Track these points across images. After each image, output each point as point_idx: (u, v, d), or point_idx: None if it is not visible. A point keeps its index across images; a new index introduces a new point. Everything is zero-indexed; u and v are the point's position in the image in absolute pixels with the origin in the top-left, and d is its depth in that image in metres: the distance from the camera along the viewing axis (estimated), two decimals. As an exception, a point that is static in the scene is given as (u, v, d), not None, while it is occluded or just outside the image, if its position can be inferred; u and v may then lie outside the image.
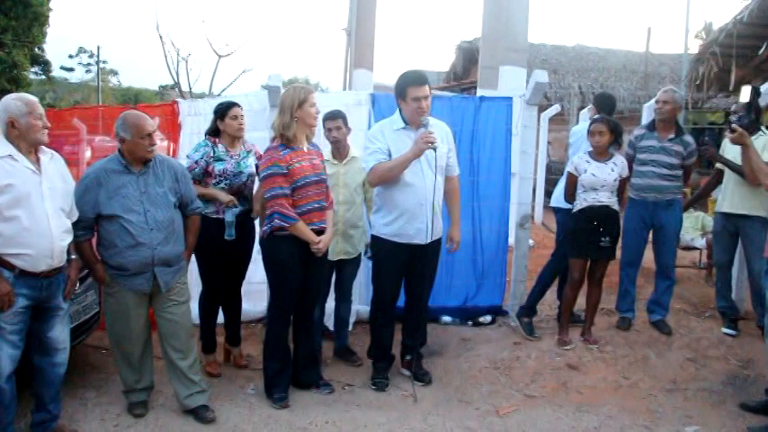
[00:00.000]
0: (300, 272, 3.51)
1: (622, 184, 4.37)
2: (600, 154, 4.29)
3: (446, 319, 5.08)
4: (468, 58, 17.76)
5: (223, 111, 3.83)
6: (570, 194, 4.40)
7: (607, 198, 4.24)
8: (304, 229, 3.41)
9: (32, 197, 2.79)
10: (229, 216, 3.74)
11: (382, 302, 3.89)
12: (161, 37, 25.05)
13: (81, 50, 37.48)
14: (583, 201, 4.29)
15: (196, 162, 3.77)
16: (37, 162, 2.88)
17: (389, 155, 3.59)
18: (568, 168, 4.39)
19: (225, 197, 3.76)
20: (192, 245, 3.49)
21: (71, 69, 37.75)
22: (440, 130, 3.73)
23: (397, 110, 3.74)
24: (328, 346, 4.45)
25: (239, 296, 4.16)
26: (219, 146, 3.85)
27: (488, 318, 5.09)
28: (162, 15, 63.76)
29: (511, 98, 5.06)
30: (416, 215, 3.64)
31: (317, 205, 3.49)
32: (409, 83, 3.60)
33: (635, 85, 16.29)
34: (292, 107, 3.39)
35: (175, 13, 72.22)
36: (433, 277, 3.94)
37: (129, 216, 3.10)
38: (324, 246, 3.47)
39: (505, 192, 5.11)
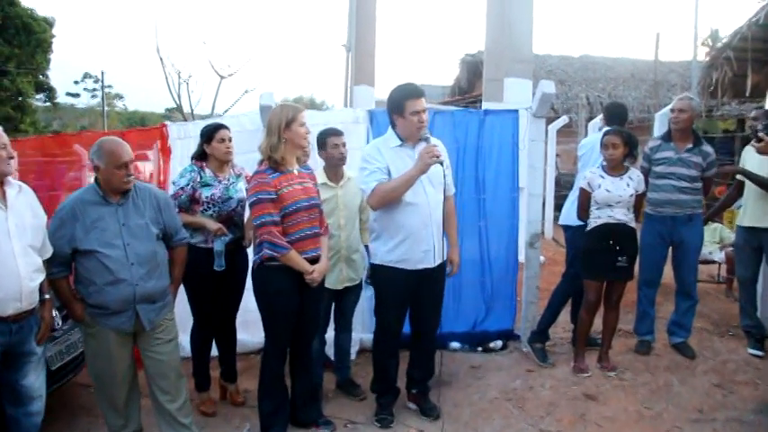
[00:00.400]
0: (295, 303, 3.26)
1: (639, 199, 4.11)
2: (614, 168, 4.03)
3: (454, 345, 4.82)
4: (473, 72, 17.61)
5: (210, 133, 3.62)
6: (583, 212, 4.14)
7: (623, 215, 3.98)
8: (296, 259, 3.17)
9: None
10: (218, 245, 3.51)
11: (386, 334, 3.64)
12: (161, 59, 25.02)
13: (86, 76, 37.72)
14: (597, 218, 4.03)
15: (182, 188, 3.55)
16: (2, 196, 2.66)
17: (389, 174, 3.36)
18: (581, 184, 4.14)
19: (213, 225, 3.53)
20: (179, 278, 3.26)
21: (77, 95, 37.99)
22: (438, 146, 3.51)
23: (390, 127, 3.51)
24: (330, 378, 4.19)
25: (233, 328, 3.91)
26: (207, 170, 3.63)
27: (499, 343, 4.83)
28: (163, 38, 64.28)
29: (517, 111, 4.83)
30: (421, 237, 3.40)
31: (309, 232, 3.25)
32: (407, 96, 3.37)
33: (644, 93, 16.05)
34: (279, 127, 3.17)
35: (176, 35, 72.65)
36: (441, 303, 3.69)
37: (107, 251, 2.86)
38: (318, 275, 3.23)
39: (513, 209, 4.86)
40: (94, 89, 38.10)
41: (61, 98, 30.44)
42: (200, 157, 3.67)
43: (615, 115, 4.59)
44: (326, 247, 3.41)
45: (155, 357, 3.07)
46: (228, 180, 3.67)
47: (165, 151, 4.45)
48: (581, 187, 4.12)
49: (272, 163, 3.19)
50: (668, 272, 4.58)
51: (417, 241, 3.41)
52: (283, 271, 3.17)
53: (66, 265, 2.93)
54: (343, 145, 3.84)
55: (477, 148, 4.75)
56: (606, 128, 4.43)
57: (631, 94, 15.89)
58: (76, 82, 37.94)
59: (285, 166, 3.21)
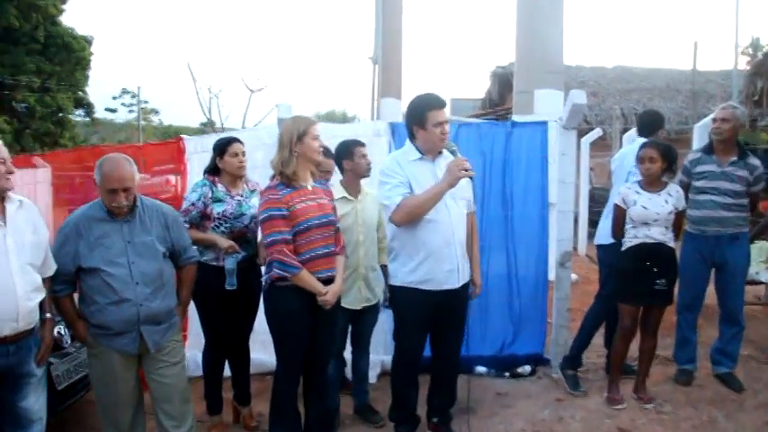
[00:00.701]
0: (307, 325, 3.08)
1: (678, 217, 3.82)
2: (651, 183, 3.76)
3: (480, 369, 4.57)
4: (504, 84, 17.34)
5: (222, 147, 3.49)
6: (618, 230, 3.87)
7: (661, 234, 3.70)
8: (308, 279, 2.99)
9: None
10: (230, 263, 3.36)
11: (406, 360, 3.43)
12: (192, 74, 25.45)
13: (124, 92, 38.52)
14: (633, 237, 3.75)
15: (193, 204, 3.42)
16: (1, 212, 2.56)
17: (411, 189, 3.17)
18: (615, 200, 3.87)
19: (224, 243, 3.38)
20: (187, 299, 3.13)
21: (114, 110, 38.80)
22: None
23: (408, 140, 3.32)
24: (348, 401, 3.99)
25: (246, 349, 3.75)
26: (219, 185, 3.50)
27: (527, 368, 4.56)
28: (194, 53, 65.36)
29: (546, 122, 4.61)
30: (444, 256, 3.20)
31: (323, 251, 3.07)
32: (429, 107, 3.18)
33: (680, 104, 15.60)
34: (291, 141, 3.01)
35: (208, 50, 73.90)
36: (464, 326, 3.46)
37: (111, 269, 2.74)
38: (332, 297, 3.04)
39: (543, 226, 4.62)
40: (131, 104, 38.90)
41: (100, 113, 31.14)
42: (213, 171, 3.54)
43: (648, 124, 4.31)
44: (342, 267, 3.22)
45: (159, 381, 2.94)
46: (242, 196, 3.53)
47: (182, 165, 4.34)
48: (615, 204, 3.86)
49: (284, 178, 3.03)
50: (710, 291, 4.26)
51: (440, 260, 3.20)
52: (294, 292, 2.99)
53: (69, 283, 2.82)
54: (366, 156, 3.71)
55: (504, 162, 4.54)
56: (639, 138, 4.18)
57: (667, 105, 15.45)
58: (114, 98, 38.81)
59: (298, 182, 3.05)
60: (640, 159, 3.74)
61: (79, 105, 27.41)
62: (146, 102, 39.21)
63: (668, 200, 3.72)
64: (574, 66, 16.46)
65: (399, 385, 3.49)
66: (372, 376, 4.39)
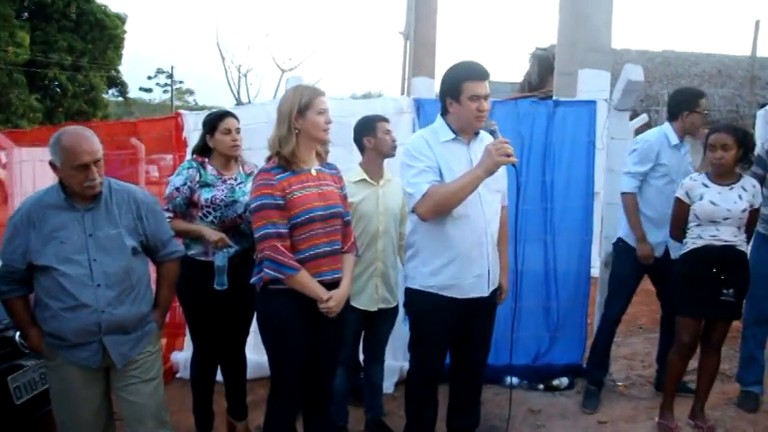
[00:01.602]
0: (306, 336, 2.59)
1: (752, 216, 3.22)
2: (722, 175, 3.16)
3: (510, 380, 4.05)
4: (545, 67, 16.55)
5: (213, 122, 3.01)
6: (677, 229, 3.29)
7: (732, 235, 3.11)
8: (306, 282, 2.49)
9: None
10: (220, 260, 2.91)
11: (423, 377, 2.92)
12: (221, 53, 25.27)
13: (158, 71, 38.64)
14: (697, 238, 3.17)
15: (177, 189, 2.96)
16: None
17: (441, 175, 2.64)
18: (677, 194, 3.28)
19: (213, 235, 2.92)
20: (168, 301, 2.66)
21: (149, 90, 38.96)
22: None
23: (439, 116, 2.78)
24: (359, 416, 3.52)
25: (242, 356, 3.29)
26: (209, 167, 3.03)
27: (565, 380, 4.04)
28: (224, 31, 65.25)
29: (594, 102, 4.03)
30: (474, 258, 2.67)
31: (327, 249, 2.57)
32: (467, 75, 2.61)
33: (733, 91, 14.65)
34: (291, 115, 2.51)
35: (239, 28, 73.50)
36: (491, 337, 2.98)
37: (65, 268, 2.27)
38: (335, 304, 2.53)
39: (586, 220, 4.07)
40: (166, 84, 39.01)
41: (135, 93, 31.25)
42: (203, 151, 3.07)
43: (671, 105, 3.70)
44: (351, 268, 2.71)
45: (129, 399, 2.47)
46: (235, 179, 3.06)
47: (180, 144, 3.89)
48: (677, 197, 3.27)
49: (282, 160, 2.53)
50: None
51: (468, 263, 2.67)
52: (290, 297, 2.51)
53: (21, 283, 2.37)
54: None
55: (544, 147, 3.99)
56: (666, 123, 3.63)
57: (719, 92, 14.54)
58: (149, 77, 38.96)
59: (298, 164, 2.55)
60: (711, 146, 3.14)
61: (112, 84, 27.49)
62: (180, 82, 39.33)
63: (742, 195, 3.12)
64: (619, 49, 15.59)
65: (414, 405, 2.99)
66: (389, 385, 3.93)
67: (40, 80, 23.11)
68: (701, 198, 3.14)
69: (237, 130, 3.04)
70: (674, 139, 3.58)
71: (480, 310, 2.78)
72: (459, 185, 2.53)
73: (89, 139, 2.31)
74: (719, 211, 3.09)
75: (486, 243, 2.68)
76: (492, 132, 2.60)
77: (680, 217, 3.26)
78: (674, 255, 3.52)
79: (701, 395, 3.36)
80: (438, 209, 2.58)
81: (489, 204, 2.69)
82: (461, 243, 2.66)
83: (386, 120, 3.27)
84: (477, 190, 2.59)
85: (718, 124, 3.35)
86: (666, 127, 3.64)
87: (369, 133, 3.21)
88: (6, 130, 8.60)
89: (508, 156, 2.45)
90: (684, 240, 3.26)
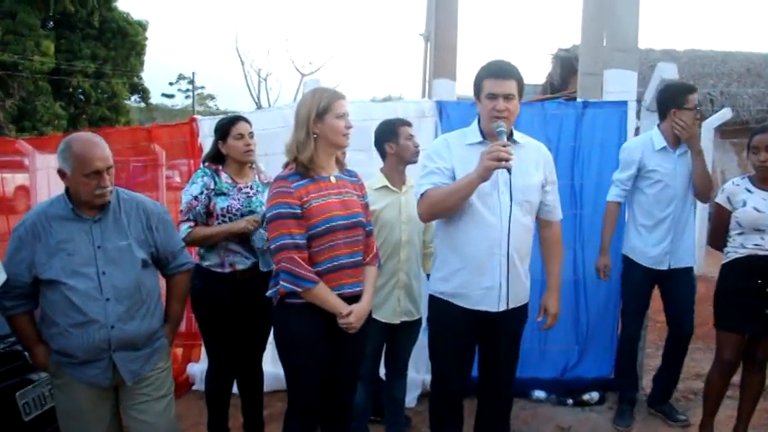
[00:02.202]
0: (325, 353, 2.46)
1: (800, 222, 3.01)
2: (766, 179, 2.97)
3: (538, 394, 3.90)
4: (567, 68, 16.32)
5: (225, 128, 2.91)
6: (717, 238, 3.10)
7: (777, 244, 2.92)
8: (325, 296, 2.37)
9: None
10: (258, 242, 2.83)
11: (444, 390, 2.77)
12: (240, 57, 25.43)
13: (180, 77, 38.98)
14: (740, 247, 2.98)
15: (195, 198, 2.85)
16: None
17: (454, 178, 2.51)
18: (718, 199, 3.09)
19: (239, 224, 2.84)
20: (179, 316, 2.56)
21: (171, 96, 39.32)
22: (533, 151, 2.62)
23: (476, 119, 2.64)
24: (380, 432, 3.38)
25: (259, 370, 3.17)
26: (223, 175, 2.92)
27: (595, 395, 3.85)
28: (244, 36, 65.32)
29: (625, 103, 3.87)
30: (484, 268, 2.51)
31: (348, 260, 2.44)
32: (486, 74, 2.48)
33: (763, 90, 14.27)
34: (309, 119, 2.39)
35: (258, 33, 73.81)
36: (514, 360, 2.77)
37: (73, 282, 2.17)
38: (356, 320, 2.40)
39: (619, 227, 3.86)
40: (188, 90, 39.32)
41: (157, 99, 31.54)
42: (216, 159, 2.96)
43: (664, 101, 3.44)
44: (373, 281, 2.57)
45: (140, 418, 2.36)
46: (250, 188, 2.94)
47: (195, 150, 3.79)
48: (717, 203, 3.08)
49: (300, 166, 2.41)
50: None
51: (477, 273, 2.52)
52: (308, 311, 2.38)
53: (26, 298, 2.27)
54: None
55: (573, 150, 3.83)
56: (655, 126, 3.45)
57: (747, 92, 14.17)
58: (171, 83, 39.33)
59: (317, 171, 2.43)
60: (754, 148, 2.95)
61: (134, 91, 27.75)
62: (202, 87, 39.60)
63: (789, 201, 2.92)
64: (643, 48, 15.27)
65: (436, 420, 2.84)
66: (411, 399, 3.78)
67: (64, 88, 23.40)
68: (744, 204, 2.95)
69: (251, 135, 2.93)
70: (660, 143, 3.37)
71: (494, 328, 2.59)
72: (453, 188, 2.43)
73: (100, 146, 2.22)
74: (765, 218, 2.89)
75: (500, 255, 2.50)
76: (499, 134, 2.44)
77: (720, 224, 3.07)
78: (683, 264, 3.41)
79: (743, 415, 3.15)
80: (433, 210, 2.52)
81: (512, 215, 2.49)
82: (471, 251, 2.53)
83: (408, 124, 3.13)
84: (498, 198, 2.48)
85: (762, 125, 3.14)
86: (654, 131, 3.46)
87: (390, 139, 3.07)
88: (27, 138, 8.64)
89: (500, 160, 2.27)
90: (726, 250, 3.07)
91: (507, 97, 2.45)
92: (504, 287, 2.51)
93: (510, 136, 2.56)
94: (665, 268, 3.41)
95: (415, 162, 3.09)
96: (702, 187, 3.32)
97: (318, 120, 2.39)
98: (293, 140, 2.43)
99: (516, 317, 2.65)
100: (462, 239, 2.53)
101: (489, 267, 2.51)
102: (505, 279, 2.50)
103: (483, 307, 2.54)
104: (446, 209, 2.48)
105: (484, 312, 2.55)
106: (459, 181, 2.44)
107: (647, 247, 3.42)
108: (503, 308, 2.54)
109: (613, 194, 3.48)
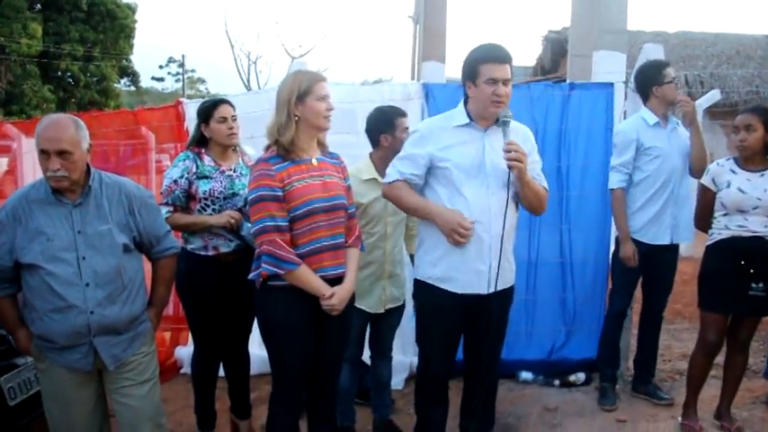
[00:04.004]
0: (309, 336, 2.47)
1: (785, 203, 3.02)
2: (751, 160, 2.97)
3: (525, 375, 3.93)
4: (557, 50, 16.22)
5: (207, 111, 2.88)
6: (703, 219, 3.12)
7: (761, 225, 2.92)
8: (307, 278, 2.36)
9: None
10: (246, 230, 2.80)
11: (430, 373, 2.78)
12: (230, 40, 25.14)
13: (170, 60, 38.50)
14: (723, 229, 2.99)
15: (175, 181, 2.83)
16: None
17: (430, 166, 2.54)
18: (703, 180, 3.10)
19: (220, 218, 2.82)
20: (163, 300, 2.55)
21: (162, 79, 38.88)
22: (516, 132, 2.60)
23: (462, 101, 2.62)
24: (367, 415, 3.40)
25: (245, 353, 3.17)
26: (205, 158, 2.90)
27: (581, 376, 3.89)
28: (233, 18, 64.62)
29: (612, 85, 3.87)
30: (472, 252, 2.51)
31: (329, 242, 2.43)
32: (484, 58, 2.46)
33: (752, 71, 14.28)
34: (289, 102, 2.36)
35: (249, 16, 73.08)
36: (500, 342, 2.79)
37: (52, 267, 2.15)
38: (338, 301, 2.40)
39: (605, 209, 3.87)
40: (178, 73, 38.88)
41: (147, 82, 31.17)
42: (199, 142, 2.94)
43: (643, 84, 3.50)
44: (356, 262, 2.57)
45: (124, 402, 2.36)
46: (234, 171, 2.92)
47: (182, 134, 3.76)
48: (702, 184, 3.09)
49: (281, 149, 2.39)
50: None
51: (466, 257, 2.52)
52: (291, 294, 2.38)
53: (8, 282, 2.25)
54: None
55: (559, 133, 3.84)
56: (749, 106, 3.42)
57: (737, 73, 14.17)
58: (161, 66, 38.86)
59: (298, 153, 2.41)
60: (734, 128, 2.96)
61: (124, 74, 27.43)
62: (192, 71, 39.14)
63: (773, 181, 2.93)
64: (634, 30, 15.21)
65: (422, 403, 2.86)
66: (398, 382, 3.80)
67: (52, 71, 23.11)
68: (729, 185, 2.96)
69: (234, 118, 2.91)
70: (652, 119, 3.40)
71: (484, 311, 2.59)
72: (414, 204, 2.60)
73: (59, 127, 2.16)
74: (748, 199, 2.91)
75: (490, 237, 2.50)
76: (504, 123, 2.44)
77: (705, 205, 3.08)
78: (684, 239, 3.44)
79: (727, 394, 3.19)
80: (392, 201, 2.71)
81: (495, 198, 2.50)
82: None
83: (404, 114, 3.08)
84: (486, 179, 2.50)
85: (746, 106, 3.15)
86: (643, 110, 3.47)
87: (387, 130, 3.00)
88: (14, 121, 8.55)
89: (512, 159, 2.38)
90: (710, 231, 3.08)
91: (506, 82, 2.45)
92: (494, 269, 2.51)
93: (498, 120, 2.53)
94: (668, 242, 3.42)
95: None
96: (699, 161, 3.34)
97: (299, 102, 2.37)
98: (274, 123, 2.41)
99: (504, 299, 2.66)
100: None
101: (477, 252, 2.51)
102: (496, 261, 2.51)
103: (471, 290, 2.55)
104: (402, 209, 2.74)
105: (472, 295, 2.55)
106: (423, 205, 2.58)
107: (648, 224, 3.40)
108: (491, 290, 2.55)
109: (616, 181, 3.44)
